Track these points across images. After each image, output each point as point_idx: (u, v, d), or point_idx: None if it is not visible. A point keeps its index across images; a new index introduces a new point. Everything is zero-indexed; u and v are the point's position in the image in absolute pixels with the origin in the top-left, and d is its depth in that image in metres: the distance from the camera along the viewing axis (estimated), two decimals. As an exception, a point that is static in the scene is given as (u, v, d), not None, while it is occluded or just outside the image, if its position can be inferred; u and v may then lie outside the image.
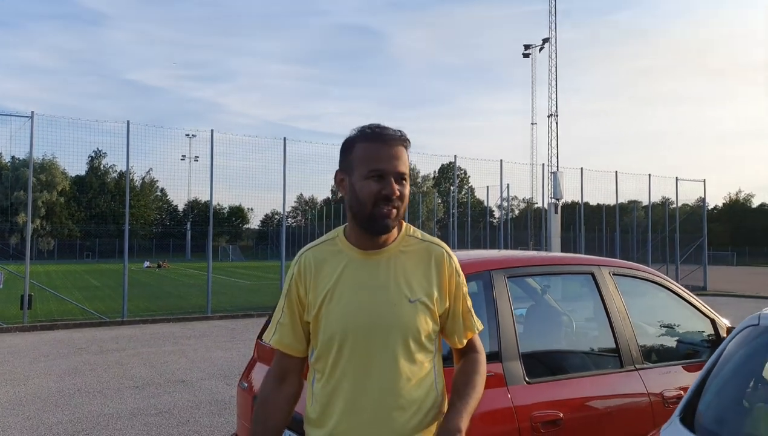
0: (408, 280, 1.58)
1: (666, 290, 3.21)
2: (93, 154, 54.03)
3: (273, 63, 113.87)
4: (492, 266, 2.68)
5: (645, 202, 24.98)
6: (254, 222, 65.09)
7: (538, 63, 23.61)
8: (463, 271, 2.55)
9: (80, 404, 6.02)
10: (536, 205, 33.13)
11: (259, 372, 2.95)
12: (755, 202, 77.92)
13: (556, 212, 20.49)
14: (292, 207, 60.65)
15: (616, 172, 22.46)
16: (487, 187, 24.55)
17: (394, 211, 1.53)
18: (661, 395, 2.79)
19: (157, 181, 56.08)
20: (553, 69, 23.14)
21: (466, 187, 53.25)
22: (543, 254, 3.32)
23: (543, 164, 21.96)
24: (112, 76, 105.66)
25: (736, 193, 78.78)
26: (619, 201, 24.14)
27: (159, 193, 60.99)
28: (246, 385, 2.99)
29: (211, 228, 14.88)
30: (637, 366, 2.85)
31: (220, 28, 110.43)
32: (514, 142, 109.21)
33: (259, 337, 3.19)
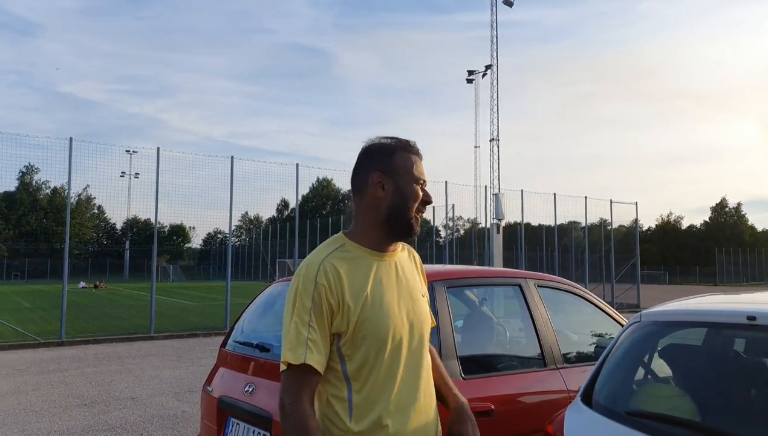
0: (414, 277, 1.73)
1: (583, 300, 3.69)
2: (24, 170, 51.82)
3: (217, 79, 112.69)
4: (433, 277, 3.07)
5: (583, 223, 26.33)
6: (196, 241, 63.76)
7: (481, 88, 24.69)
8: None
9: (28, 422, 6.00)
10: (480, 226, 34.15)
11: (225, 378, 3.20)
12: (684, 224, 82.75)
13: (498, 232, 21.36)
14: (236, 226, 59.91)
15: (555, 194, 23.62)
16: (433, 207, 25.27)
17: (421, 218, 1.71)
18: (578, 391, 3.24)
19: (94, 198, 54.27)
20: (495, 95, 24.19)
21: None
22: (477, 267, 3.74)
23: (485, 186, 22.85)
24: (44, 89, 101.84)
25: (668, 215, 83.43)
26: (559, 222, 25.36)
27: (96, 211, 59.00)
28: (210, 389, 3.24)
29: (155, 246, 14.76)
30: (558, 366, 3.28)
31: (162, 43, 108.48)
32: (460, 164, 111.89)
33: (223, 345, 3.44)
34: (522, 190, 22.22)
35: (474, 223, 35.62)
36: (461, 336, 3.42)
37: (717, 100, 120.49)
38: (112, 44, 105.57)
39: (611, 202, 25.70)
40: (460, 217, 47.95)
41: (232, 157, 15.42)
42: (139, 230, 51.26)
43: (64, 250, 13.45)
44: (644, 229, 74.56)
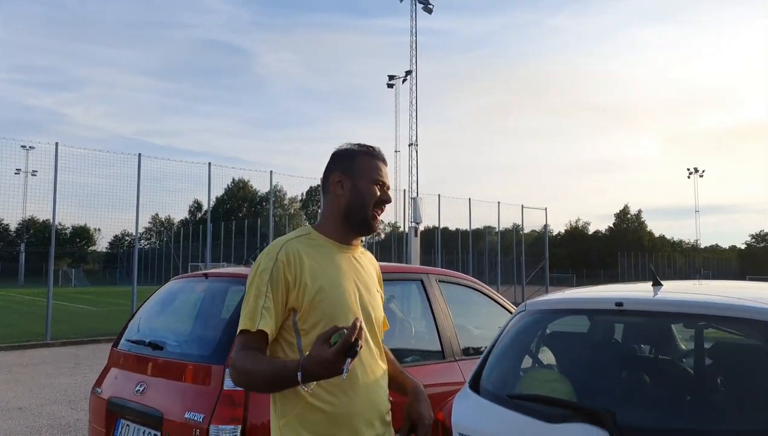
0: (371, 274, 1.89)
1: (482, 295, 3.83)
2: None
3: (127, 74, 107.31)
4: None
5: (497, 228, 27.32)
6: (101, 244, 60.16)
7: (402, 93, 25.10)
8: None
9: None
10: (400, 229, 34.65)
11: (116, 379, 3.05)
12: (591, 230, 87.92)
13: (416, 235, 21.70)
14: (146, 228, 57.14)
15: (470, 199, 24.38)
16: (352, 211, 25.33)
17: (380, 216, 1.85)
18: None
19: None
20: (414, 100, 24.67)
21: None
22: (381, 263, 3.79)
23: (404, 190, 23.17)
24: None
25: (576, 221, 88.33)
26: (475, 226, 26.17)
27: (-12, 212, 54.45)
28: (100, 390, 3.07)
29: (52, 248, 13.80)
30: (457, 358, 3.38)
31: (65, 33, 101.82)
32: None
33: (115, 345, 3.28)
34: (439, 195, 22.78)
35: (394, 227, 36.05)
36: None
37: (620, 113, 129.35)
38: (6, 30, 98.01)
39: (522, 207, 26.87)
40: (381, 220, 48.32)
41: (139, 154, 14.73)
42: (37, 232, 47.74)
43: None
44: (554, 234, 78.53)
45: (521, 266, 27.71)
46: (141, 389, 2.74)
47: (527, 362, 2.36)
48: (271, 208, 20.35)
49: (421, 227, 22.18)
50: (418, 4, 29.43)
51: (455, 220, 25.39)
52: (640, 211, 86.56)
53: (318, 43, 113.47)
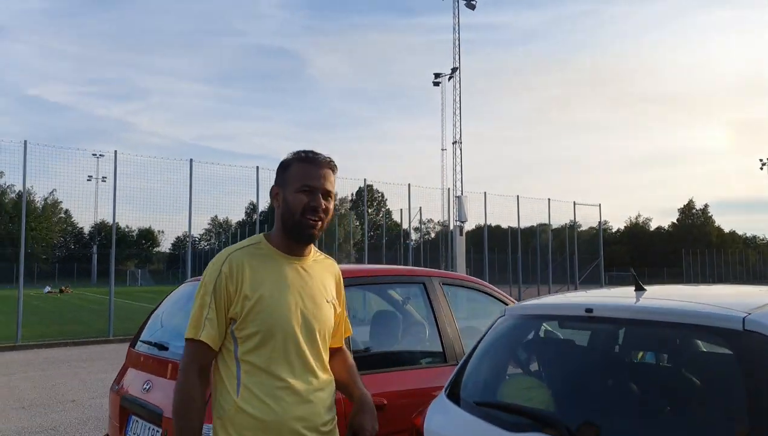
0: (323, 283, 1.90)
1: (490, 297, 3.82)
2: (-13, 174, 50.50)
3: (186, 82, 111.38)
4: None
5: (554, 226, 26.76)
6: (165, 245, 62.76)
7: (448, 90, 24.95)
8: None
9: (-40, 427, 5.95)
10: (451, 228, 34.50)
11: (130, 377, 3.26)
12: (653, 226, 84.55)
13: (461, 234, 21.62)
14: (205, 229, 59.16)
15: (518, 196, 23.98)
16: (401, 209, 25.43)
17: (319, 222, 1.81)
18: None
19: (61, 202, 53.18)
20: (458, 97, 24.49)
21: (383, 209, 54.35)
22: (380, 266, 3.85)
23: (448, 189, 23.07)
24: (11, 92, 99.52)
25: (636, 217, 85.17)
26: (527, 224, 25.69)
27: (63, 216, 57.88)
28: (116, 387, 3.29)
29: (113, 250, 14.63)
30: (459, 361, 3.40)
31: (130, 45, 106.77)
32: (429, 166, 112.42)
33: (132, 345, 3.49)
34: (485, 193, 22.52)
35: (444, 225, 35.94)
36: (368, 333, 3.53)
37: (685, 103, 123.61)
38: (80, 46, 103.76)
39: (574, 204, 26.21)
40: (431, 219, 48.19)
41: (191, 160, 15.36)
42: (107, 234, 50.29)
43: (20, 254, 13.17)
44: (613, 231, 75.99)
45: (574, 264, 27.02)
46: (147, 387, 2.92)
47: (507, 368, 2.37)
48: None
49: (468, 226, 22.02)
50: (460, 0, 29.18)
51: (503, 218, 25.05)
52: (706, 206, 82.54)
53: (366, 44, 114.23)
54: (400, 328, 3.65)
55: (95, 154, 20.14)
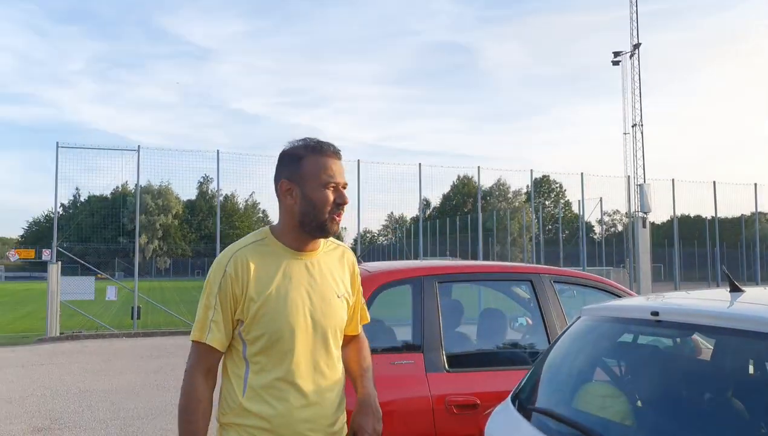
0: (334, 277, 1.82)
1: (612, 296, 3.46)
2: (201, 180, 58.64)
3: (366, 86, 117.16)
4: (424, 273, 3.13)
5: (757, 215, 23.23)
6: (347, 241, 67.08)
7: (631, 69, 22.86)
8: (394, 278, 3.08)
9: (155, 396, 7.04)
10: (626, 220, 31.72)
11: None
12: None
13: (644, 226, 19.68)
14: (383, 225, 61.90)
15: (714, 182, 21.23)
16: (579, 201, 23.99)
17: (341, 217, 1.76)
18: None
19: (259, 203, 59.68)
20: (636, 76, 22.36)
21: (561, 201, 51.66)
22: (481, 263, 3.69)
23: (628, 177, 21.18)
24: (220, 107, 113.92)
25: None
26: (728, 214, 22.61)
27: (261, 215, 64.99)
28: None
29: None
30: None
31: (316, 56, 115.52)
32: (610, 152, 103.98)
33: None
34: (673, 180, 20.31)
35: (631, 217, 33.11)
36: (472, 331, 3.44)
37: None
38: (273, 61, 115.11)
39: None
40: (617, 211, 44.71)
41: (358, 160, 16.33)
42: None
43: (216, 248, 15.08)
44: None
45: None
46: None
47: (579, 374, 2.14)
48: (478, 205, 20.48)
49: (657, 217, 20.03)
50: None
51: (697, 207, 22.31)
52: None
53: (541, 28, 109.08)
54: (506, 327, 3.49)
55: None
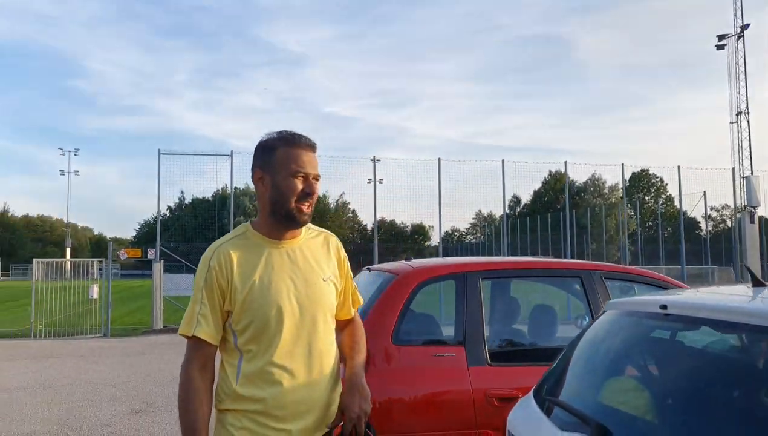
0: (318, 261, 1.86)
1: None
2: (297, 181, 60.29)
3: (453, 84, 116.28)
4: (467, 268, 3.17)
5: None
6: (435, 239, 66.93)
7: (734, 54, 21.11)
8: (438, 274, 3.18)
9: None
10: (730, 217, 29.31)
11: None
12: None
13: (752, 222, 18.17)
14: (471, 223, 61.19)
15: (836, 172, 19.17)
16: (679, 196, 22.57)
17: (311, 207, 1.79)
18: None
19: (349, 203, 61.04)
20: (742, 60, 20.68)
21: (663, 196, 48.61)
22: (527, 259, 3.66)
23: (732, 169, 19.63)
24: (313, 111, 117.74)
25: None
26: None
27: (350, 215, 66.30)
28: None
29: (375, 245, 16.42)
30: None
31: (404, 56, 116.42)
32: (715, 143, 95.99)
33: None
34: (786, 171, 18.55)
35: (738, 211, 30.63)
36: (521, 327, 3.44)
37: None
38: (363, 63, 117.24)
39: None
40: (726, 205, 41.50)
41: (438, 159, 16.33)
42: (386, 230, 55.93)
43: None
44: None
45: None
46: None
47: (601, 368, 2.12)
48: (566, 202, 19.79)
49: (762, 212, 18.43)
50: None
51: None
52: None
53: (639, 14, 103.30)
54: (555, 323, 3.46)
55: (372, 160, 22.86)
